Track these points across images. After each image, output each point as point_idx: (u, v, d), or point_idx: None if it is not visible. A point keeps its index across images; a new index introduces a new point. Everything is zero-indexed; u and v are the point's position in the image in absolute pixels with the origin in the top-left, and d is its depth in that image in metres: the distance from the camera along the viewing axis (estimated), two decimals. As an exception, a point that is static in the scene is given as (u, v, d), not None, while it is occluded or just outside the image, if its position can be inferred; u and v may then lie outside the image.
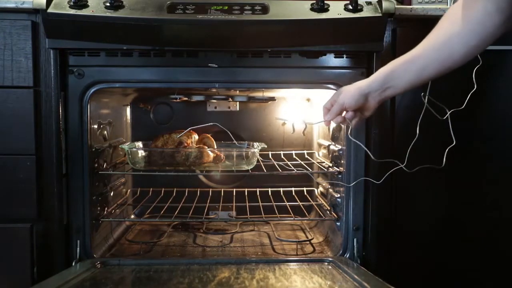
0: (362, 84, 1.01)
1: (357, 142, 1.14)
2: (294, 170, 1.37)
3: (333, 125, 1.31)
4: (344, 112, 1.05)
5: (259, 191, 1.62)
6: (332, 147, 1.43)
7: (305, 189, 1.65)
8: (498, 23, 0.86)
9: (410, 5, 1.29)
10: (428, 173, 1.17)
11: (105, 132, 1.39)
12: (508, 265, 1.27)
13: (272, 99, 1.54)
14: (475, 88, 1.11)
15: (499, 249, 1.27)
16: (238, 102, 1.65)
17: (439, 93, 1.10)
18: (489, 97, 1.24)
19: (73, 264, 1.16)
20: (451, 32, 0.90)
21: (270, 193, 1.61)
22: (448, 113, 1.08)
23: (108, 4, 1.07)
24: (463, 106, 1.10)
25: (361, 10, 1.11)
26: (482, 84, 1.16)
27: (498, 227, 1.27)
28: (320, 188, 1.62)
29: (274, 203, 1.53)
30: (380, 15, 1.10)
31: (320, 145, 1.64)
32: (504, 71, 1.22)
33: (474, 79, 1.11)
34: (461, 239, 1.26)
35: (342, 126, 1.25)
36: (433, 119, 1.13)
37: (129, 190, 1.65)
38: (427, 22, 1.12)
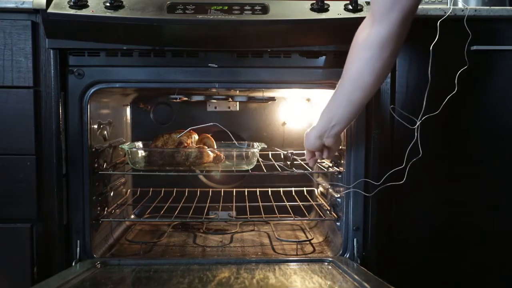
0: (315, 130, 1.11)
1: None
2: (294, 170, 1.37)
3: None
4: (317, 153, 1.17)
5: (259, 191, 1.62)
6: (332, 147, 1.43)
7: (305, 189, 1.65)
8: (392, 47, 0.94)
9: (410, 5, 1.29)
10: (428, 173, 1.18)
11: (105, 132, 1.39)
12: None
13: (272, 99, 1.54)
14: (455, 91, 1.12)
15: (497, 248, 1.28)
16: (238, 102, 1.65)
17: (434, 97, 1.12)
18: (482, 97, 1.24)
19: (73, 264, 1.16)
20: (358, 57, 0.98)
21: (270, 193, 1.61)
22: (418, 122, 1.12)
23: (108, 4, 1.07)
24: (438, 111, 1.13)
25: (361, 10, 1.11)
26: (470, 85, 1.17)
27: (496, 227, 1.27)
28: (320, 188, 1.62)
29: (274, 203, 1.53)
30: (380, 15, 1.10)
31: (320, 145, 1.64)
32: (491, 71, 1.22)
33: (456, 82, 1.12)
34: (461, 239, 1.26)
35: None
36: (431, 120, 1.14)
37: (129, 190, 1.65)
38: (427, 22, 1.13)
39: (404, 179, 1.13)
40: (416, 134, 1.13)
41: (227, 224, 1.63)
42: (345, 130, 1.23)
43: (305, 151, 1.20)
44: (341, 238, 1.27)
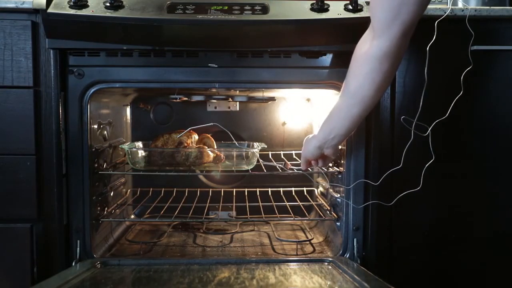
0: (315, 139, 1.13)
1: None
2: (294, 170, 1.37)
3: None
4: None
5: (259, 191, 1.62)
6: (332, 147, 1.43)
7: (305, 189, 1.65)
8: (392, 60, 0.95)
9: (410, 5, 1.29)
10: (429, 174, 1.17)
11: (105, 132, 1.39)
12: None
13: (272, 99, 1.54)
14: (461, 92, 1.12)
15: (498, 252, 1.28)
16: (238, 102, 1.65)
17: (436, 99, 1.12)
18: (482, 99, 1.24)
19: (73, 264, 1.16)
20: (358, 70, 0.99)
21: (270, 193, 1.61)
22: (429, 129, 1.13)
23: (108, 4, 1.07)
24: (446, 115, 1.13)
25: (361, 10, 1.11)
26: (471, 85, 1.17)
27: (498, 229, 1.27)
28: (320, 188, 1.62)
29: (274, 203, 1.52)
30: (380, 15, 1.10)
31: (320, 145, 1.64)
32: (491, 72, 1.22)
33: (461, 83, 1.12)
34: (462, 240, 1.26)
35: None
36: (433, 121, 1.14)
37: (129, 190, 1.65)
38: (427, 22, 1.13)
39: (421, 185, 1.13)
40: (411, 138, 1.14)
41: (227, 224, 1.63)
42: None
43: (301, 159, 1.21)
44: (341, 238, 1.27)
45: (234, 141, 1.35)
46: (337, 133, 1.08)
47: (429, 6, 1.19)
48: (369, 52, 0.96)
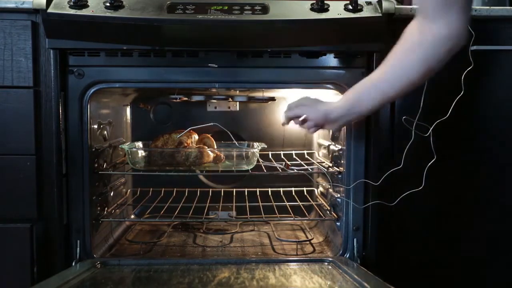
0: (329, 107, 1.07)
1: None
2: (294, 170, 1.37)
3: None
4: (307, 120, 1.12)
5: (259, 191, 1.62)
6: (332, 147, 1.43)
7: (305, 189, 1.65)
8: (449, 47, 0.92)
9: (410, 5, 1.28)
10: (429, 173, 1.18)
11: (105, 132, 1.39)
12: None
13: (272, 99, 1.54)
14: (462, 93, 1.12)
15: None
16: (238, 102, 1.65)
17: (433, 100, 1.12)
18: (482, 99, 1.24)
19: (73, 264, 1.16)
20: (407, 56, 0.95)
21: (270, 193, 1.61)
22: (430, 129, 1.12)
23: (108, 4, 1.08)
24: (447, 116, 1.12)
25: (361, 10, 1.11)
26: (471, 86, 1.17)
27: (497, 229, 1.27)
28: (320, 188, 1.62)
29: (274, 203, 1.53)
30: (380, 15, 1.10)
31: (320, 145, 1.64)
32: (491, 72, 1.22)
33: (462, 83, 1.12)
34: (462, 240, 1.26)
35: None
36: (432, 121, 1.14)
37: (129, 190, 1.66)
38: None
39: (423, 185, 1.13)
40: (411, 138, 1.14)
41: (227, 224, 1.63)
42: (344, 130, 1.23)
43: (285, 112, 1.16)
44: (341, 238, 1.27)
45: (234, 141, 1.35)
46: (360, 110, 1.04)
47: (429, 6, 1.19)
48: (424, 39, 0.92)
